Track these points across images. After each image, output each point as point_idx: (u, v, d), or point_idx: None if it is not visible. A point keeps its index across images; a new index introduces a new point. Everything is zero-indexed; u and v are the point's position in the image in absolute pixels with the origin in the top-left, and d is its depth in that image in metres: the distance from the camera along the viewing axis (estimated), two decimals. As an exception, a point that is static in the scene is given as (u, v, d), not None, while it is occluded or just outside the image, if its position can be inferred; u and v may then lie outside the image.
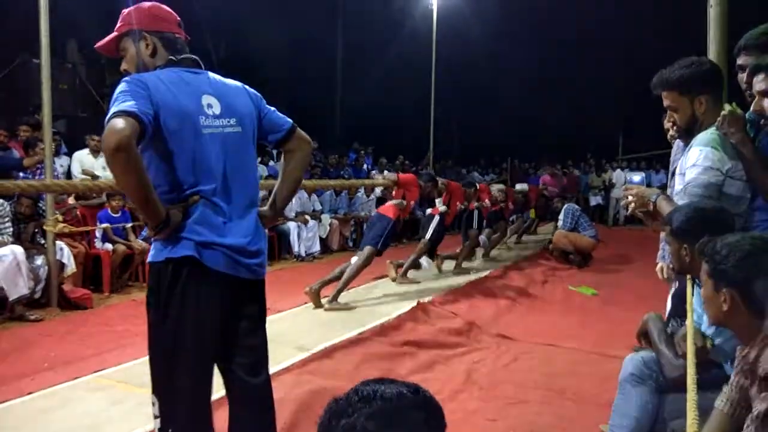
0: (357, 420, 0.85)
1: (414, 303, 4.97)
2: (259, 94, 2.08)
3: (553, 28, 19.64)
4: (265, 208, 2.12)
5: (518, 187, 10.40)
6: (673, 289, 2.46)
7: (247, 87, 2.06)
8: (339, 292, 5.13)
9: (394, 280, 6.28)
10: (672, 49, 2.34)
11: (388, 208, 5.64)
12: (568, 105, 20.39)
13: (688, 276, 2.02)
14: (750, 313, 1.41)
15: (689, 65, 2.19)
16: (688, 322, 1.81)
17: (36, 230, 5.30)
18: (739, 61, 2.15)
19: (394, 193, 5.85)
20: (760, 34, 2.06)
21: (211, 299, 1.83)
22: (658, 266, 2.79)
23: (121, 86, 1.71)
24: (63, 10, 5.13)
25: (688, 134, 2.23)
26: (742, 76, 2.12)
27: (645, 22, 18.00)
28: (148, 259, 1.86)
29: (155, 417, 1.83)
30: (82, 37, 10.13)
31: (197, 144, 1.79)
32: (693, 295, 1.89)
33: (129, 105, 1.64)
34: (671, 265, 2.54)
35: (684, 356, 1.79)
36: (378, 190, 10.81)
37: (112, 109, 1.64)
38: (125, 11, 1.92)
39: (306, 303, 5.26)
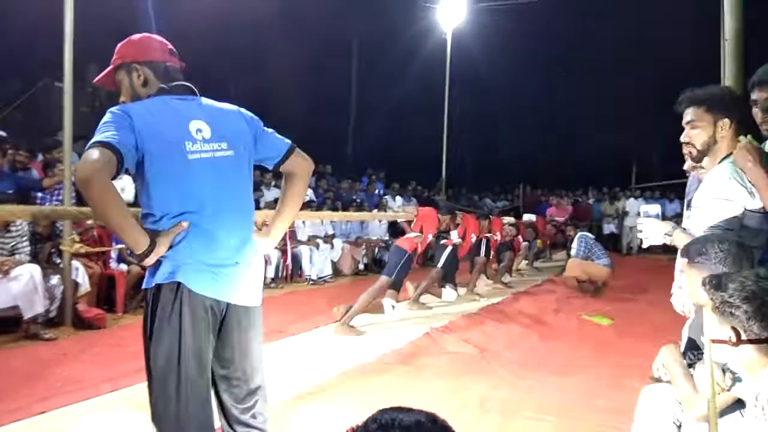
0: None
1: (426, 329, 4.95)
2: (256, 117, 2.07)
3: (567, 58, 19.82)
4: (263, 231, 2.11)
5: (525, 218, 10.42)
6: (689, 322, 2.43)
7: (243, 110, 2.05)
8: (350, 317, 5.14)
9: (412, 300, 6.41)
10: (687, 82, 2.35)
11: (405, 241, 5.71)
12: (582, 133, 20.45)
13: (707, 308, 2.00)
14: (756, 350, 1.40)
15: (720, 89, 2.23)
16: (707, 356, 1.78)
17: (53, 250, 5.36)
18: (753, 96, 2.16)
19: (413, 225, 5.93)
20: None
21: (201, 325, 1.81)
22: (674, 297, 2.77)
23: (106, 117, 1.75)
24: (84, 34, 5.27)
25: (702, 156, 2.23)
26: (756, 111, 2.13)
27: (660, 54, 18.10)
28: (143, 285, 1.87)
29: None
30: (103, 62, 10.37)
31: (184, 169, 1.80)
32: None
33: (107, 136, 1.67)
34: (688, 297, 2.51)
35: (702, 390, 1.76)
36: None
37: (92, 140, 1.67)
38: (119, 45, 1.98)
39: (317, 327, 5.26)
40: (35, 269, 4.80)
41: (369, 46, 19.36)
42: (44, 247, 5.29)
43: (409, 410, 0.92)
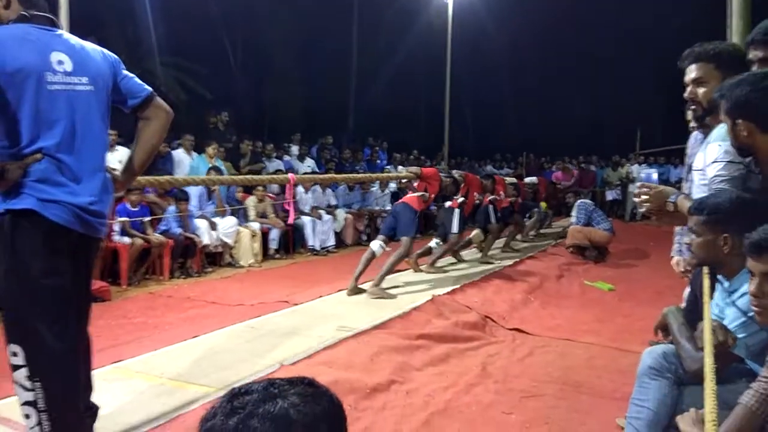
0: None
1: (429, 296, 4.98)
2: (117, 58, 2.11)
3: (571, 22, 19.48)
4: (118, 171, 2.15)
5: (527, 180, 10.38)
6: (689, 287, 2.43)
7: (105, 51, 2.09)
8: (381, 278, 5.29)
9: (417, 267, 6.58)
10: (690, 42, 2.30)
11: (413, 199, 5.76)
12: (585, 99, 20.24)
13: (705, 269, 1.99)
14: None
15: (729, 45, 2.18)
16: (705, 314, 1.79)
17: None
18: (749, 55, 2.11)
19: (416, 185, 5.99)
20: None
21: (55, 251, 1.85)
22: (674, 260, 2.77)
23: None
24: (80, 8, 5.26)
25: (707, 115, 2.19)
26: (754, 69, 2.09)
27: (664, 15, 17.79)
28: None
29: (17, 367, 1.82)
30: (100, 33, 10.24)
31: (41, 99, 1.83)
32: (715, 289, 1.87)
33: None
34: (688, 260, 2.51)
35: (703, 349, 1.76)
36: (393, 185, 10.80)
37: None
38: None
39: (321, 296, 5.30)
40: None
41: (370, 14, 19.00)
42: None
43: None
